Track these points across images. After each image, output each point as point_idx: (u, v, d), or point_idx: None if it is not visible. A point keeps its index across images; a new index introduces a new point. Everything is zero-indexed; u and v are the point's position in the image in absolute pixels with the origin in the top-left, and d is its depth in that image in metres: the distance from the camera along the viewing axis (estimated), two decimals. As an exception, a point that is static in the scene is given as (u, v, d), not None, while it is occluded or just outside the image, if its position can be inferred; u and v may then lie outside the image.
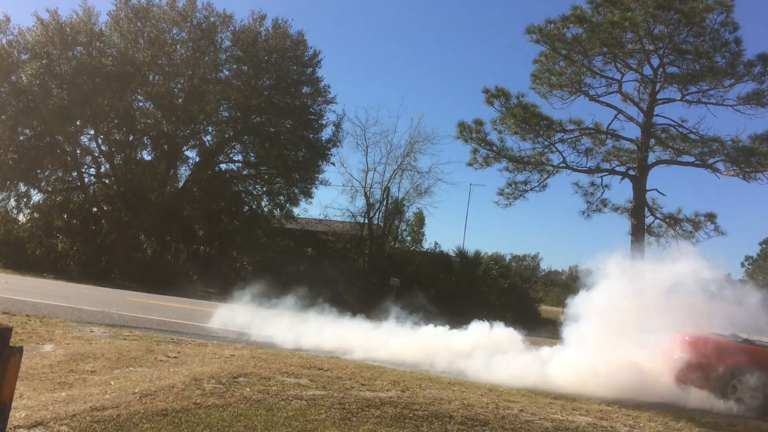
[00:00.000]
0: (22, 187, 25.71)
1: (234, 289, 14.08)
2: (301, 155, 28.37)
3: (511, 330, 10.90)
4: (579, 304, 9.47)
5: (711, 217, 22.47)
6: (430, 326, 11.29)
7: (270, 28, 27.45)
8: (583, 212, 24.53)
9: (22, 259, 23.65)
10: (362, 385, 6.62)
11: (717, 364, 8.16)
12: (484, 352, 9.46)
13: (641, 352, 8.72)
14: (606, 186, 23.86)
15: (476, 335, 10.65)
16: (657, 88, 22.22)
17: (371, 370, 7.74)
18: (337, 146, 28.97)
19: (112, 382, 5.78)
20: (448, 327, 11.22)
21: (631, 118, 22.57)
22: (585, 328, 9.24)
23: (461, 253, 28.29)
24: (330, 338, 10.45)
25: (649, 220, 23.22)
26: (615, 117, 22.93)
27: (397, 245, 30.88)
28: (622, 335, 8.77)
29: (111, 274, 24.12)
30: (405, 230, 32.87)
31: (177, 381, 5.83)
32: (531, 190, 23.93)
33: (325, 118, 28.94)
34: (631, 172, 22.69)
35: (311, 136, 28.55)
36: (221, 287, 23.11)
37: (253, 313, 12.20)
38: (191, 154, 29.15)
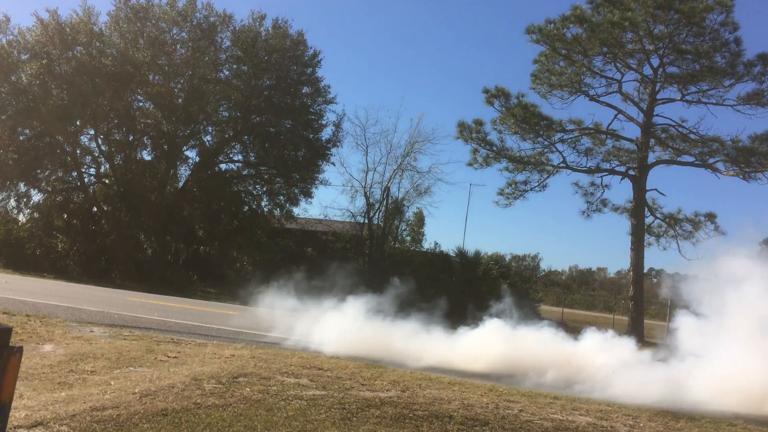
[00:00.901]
0: (22, 187, 25.70)
1: (232, 288, 13.73)
2: (301, 155, 28.36)
3: (629, 339, 10.04)
4: (714, 309, 8.52)
5: (711, 217, 22.55)
6: (543, 329, 10.03)
7: (270, 28, 27.45)
8: (583, 212, 24.63)
9: (22, 259, 23.63)
10: (362, 385, 6.62)
11: None
12: (603, 364, 8.51)
13: None
14: (606, 186, 23.95)
15: (590, 345, 9.71)
16: (657, 88, 22.24)
17: (371, 370, 7.74)
18: (337, 146, 28.98)
19: (112, 382, 5.78)
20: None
21: (631, 118, 22.62)
22: (731, 339, 8.17)
23: (461, 253, 28.25)
24: (399, 347, 9.37)
25: (649, 220, 23.29)
26: (615, 117, 22.99)
27: (397, 245, 30.83)
28: None
29: (111, 274, 24.11)
30: (405, 230, 32.82)
31: (177, 381, 5.83)
32: (531, 190, 24.01)
33: (325, 118, 28.97)
34: (631, 172, 22.71)
35: (311, 136, 28.55)
36: (221, 287, 23.09)
37: (275, 315, 11.48)
38: (191, 154, 29.20)
